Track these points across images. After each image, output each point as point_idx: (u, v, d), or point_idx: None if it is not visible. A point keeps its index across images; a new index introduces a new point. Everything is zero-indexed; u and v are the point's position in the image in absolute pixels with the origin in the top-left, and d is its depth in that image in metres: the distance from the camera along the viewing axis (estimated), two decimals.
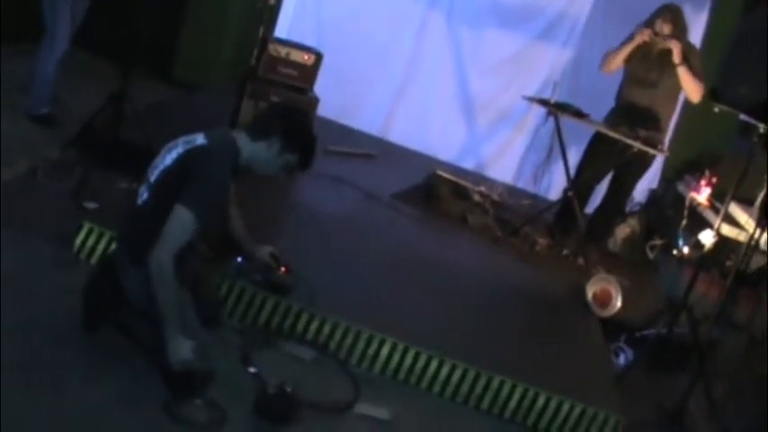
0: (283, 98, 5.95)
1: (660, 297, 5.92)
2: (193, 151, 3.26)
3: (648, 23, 5.97)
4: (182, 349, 3.15)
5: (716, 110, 4.70)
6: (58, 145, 5.08)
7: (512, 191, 7.58)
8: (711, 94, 4.90)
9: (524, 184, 7.99)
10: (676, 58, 5.84)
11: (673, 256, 6.75)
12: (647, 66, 6.04)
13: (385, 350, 3.93)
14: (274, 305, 3.92)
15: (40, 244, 3.97)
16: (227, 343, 3.44)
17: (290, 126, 3.42)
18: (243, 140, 3.37)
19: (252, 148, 3.37)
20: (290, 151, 3.42)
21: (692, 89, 5.91)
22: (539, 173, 6.55)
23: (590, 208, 6.66)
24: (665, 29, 5.89)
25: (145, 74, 5.82)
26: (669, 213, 7.15)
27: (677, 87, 6.03)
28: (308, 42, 6.63)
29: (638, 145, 5.73)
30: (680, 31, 5.93)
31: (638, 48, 6.04)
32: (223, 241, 3.70)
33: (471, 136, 8.19)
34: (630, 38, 6.04)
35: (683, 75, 5.88)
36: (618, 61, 6.14)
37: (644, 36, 5.92)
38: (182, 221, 3.12)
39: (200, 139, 3.31)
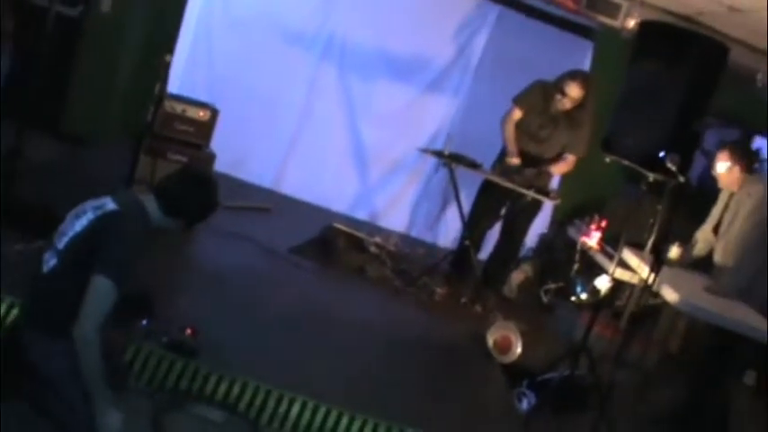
0: (181, 155, 5.92)
1: (558, 340, 6.05)
2: (104, 217, 3.17)
3: (559, 82, 6.13)
4: (115, 423, 3.07)
5: (607, 160, 4.88)
6: None
7: (406, 240, 7.63)
8: (603, 145, 5.08)
9: (417, 232, 8.07)
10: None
11: (568, 299, 6.88)
12: (541, 122, 6.22)
13: (295, 409, 3.91)
14: (182, 367, 3.85)
15: None
16: (137, 408, 3.34)
17: (201, 210, 3.42)
18: (152, 207, 3.30)
19: (161, 218, 3.31)
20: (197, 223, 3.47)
21: (564, 171, 6.47)
22: (433, 221, 6.62)
23: (483, 254, 6.78)
24: (575, 92, 6.07)
25: (34, 127, 5.64)
26: (561, 257, 7.29)
27: (566, 143, 6.26)
28: (200, 96, 6.59)
29: (531, 194, 5.88)
30: (590, 97, 6.13)
31: (535, 101, 6.21)
32: (127, 303, 3.61)
33: (364, 186, 8.21)
34: (526, 93, 6.26)
35: (561, 166, 6.38)
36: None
37: (513, 161, 6.22)
38: (102, 292, 3.04)
39: (109, 204, 3.22)
